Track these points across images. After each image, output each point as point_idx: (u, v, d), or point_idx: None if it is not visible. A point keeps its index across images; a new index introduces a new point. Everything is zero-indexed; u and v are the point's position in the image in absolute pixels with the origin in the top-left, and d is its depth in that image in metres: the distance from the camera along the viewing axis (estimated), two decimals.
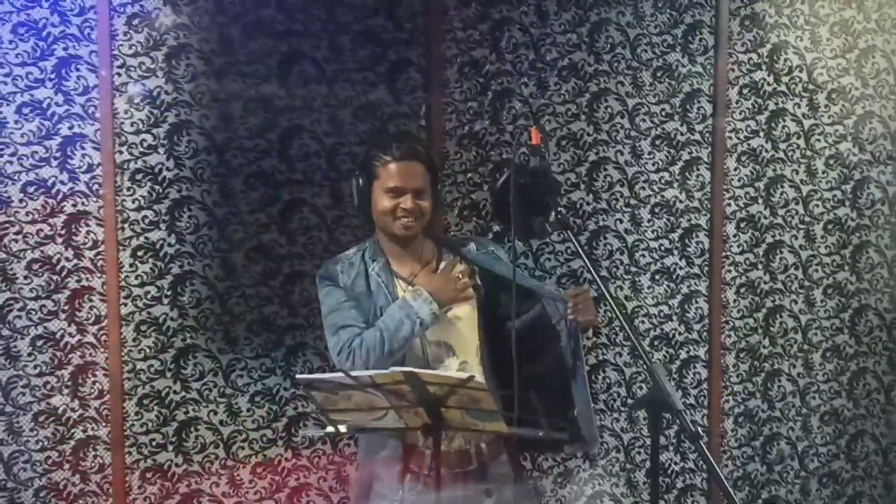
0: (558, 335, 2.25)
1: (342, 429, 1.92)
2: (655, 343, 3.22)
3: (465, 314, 2.25)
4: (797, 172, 3.31)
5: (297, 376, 1.85)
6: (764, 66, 3.24)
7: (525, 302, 2.25)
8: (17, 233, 2.72)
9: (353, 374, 1.78)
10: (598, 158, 3.13)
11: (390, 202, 2.18)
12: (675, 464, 3.26)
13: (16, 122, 2.70)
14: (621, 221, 3.17)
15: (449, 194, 2.99)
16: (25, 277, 2.73)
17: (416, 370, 1.77)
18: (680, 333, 3.25)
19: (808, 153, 3.31)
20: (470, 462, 2.20)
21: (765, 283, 3.30)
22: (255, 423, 2.90)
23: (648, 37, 3.14)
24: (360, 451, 2.37)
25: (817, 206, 3.33)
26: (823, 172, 3.33)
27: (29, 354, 2.75)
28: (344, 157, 2.91)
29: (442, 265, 2.28)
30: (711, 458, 1.67)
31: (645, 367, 1.78)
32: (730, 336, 3.28)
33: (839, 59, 3.31)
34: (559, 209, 2.10)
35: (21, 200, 2.72)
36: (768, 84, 3.25)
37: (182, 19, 2.79)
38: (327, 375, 1.85)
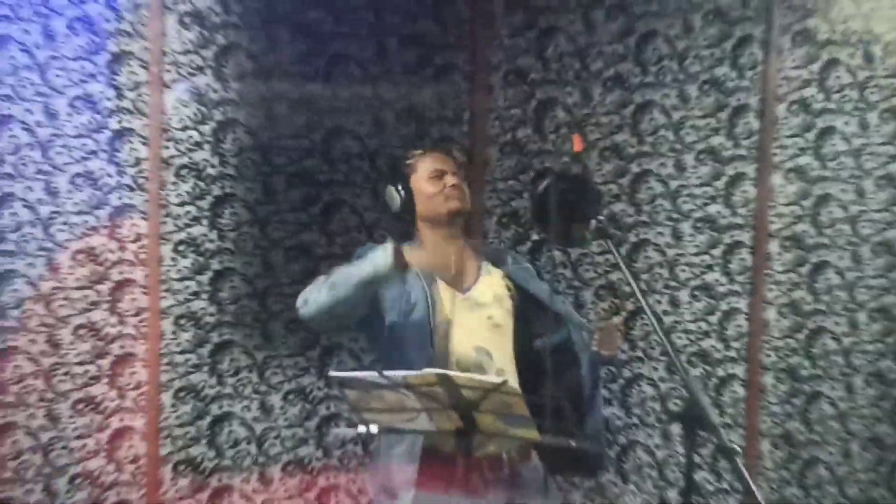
0: (579, 363, 2.24)
1: (373, 429, 1.92)
2: (692, 359, 3.17)
3: (504, 321, 2.23)
4: (845, 192, 3.24)
5: (331, 373, 1.86)
6: (814, 83, 3.19)
7: (552, 324, 2.23)
8: (63, 223, 2.77)
9: (387, 373, 1.78)
10: (641, 170, 3.10)
11: (435, 185, 2.22)
12: (710, 483, 3.21)
13: (67, 114, 2.76)
14: (662, 235, 3.13)
15: (489, 201, 2.98)
16: (70, 267, 2.78)
17: (450, 373, 1.76)
18: (718, 351, 3.19)
19: (858, 172, 3.24)
20: (501, 468, 2.19)
21: (807, 303, 3.24)
22: (288, 421, 2.92)
23: (696, 49, 3.11)
24: (375, 448, 2.34)
25: (865, 226, 3.26)
26: (873, 193, 3.26)
27: (70, 343, 2.79)
28: (386, 159, 2.92)
29: (480, 274, 2.27)
30: (747, 475, 1.64)
31: (681, 380, 1.75)
32: (769, 356, 3.22)
33: (892, 78, 3.25)
34: (600, 218, 2.07)
35: (69, 191, 2.77)
36: (818, 101, 3.20)
37: (232, 19, 2.82)
38: (361, 374, 1.84)
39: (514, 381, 2.12)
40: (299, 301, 2.15)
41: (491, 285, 2.27)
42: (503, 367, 2.19)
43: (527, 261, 2.43)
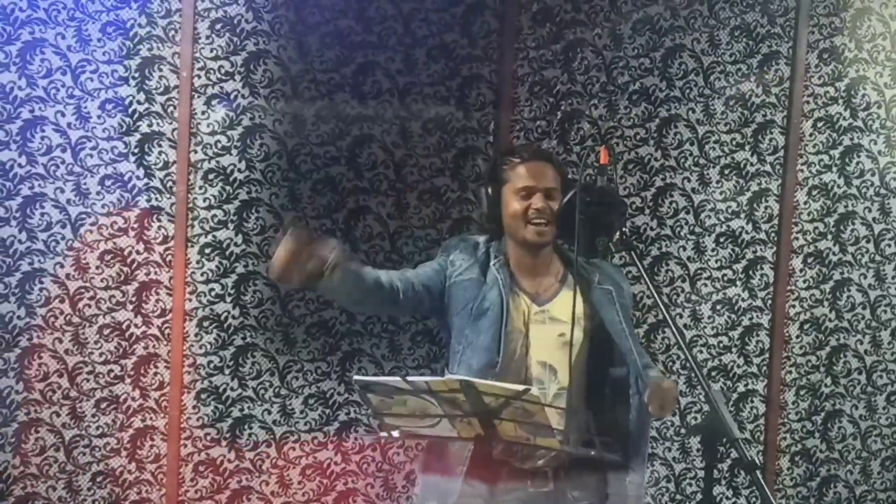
0: (628, 406, 2.17)
1: (395, 434, 1.94)
2: (713, 374, 3.17)
3: (577, 340, 2.16)
4: (869, 210, 3.24)
5: (355, 377, 1.87)
6: (840, 101, 3.19)
7: (615, 355, 2.20)
8: (92, 224, 2.81)
9: (410, 379, 1.79)
10: (665, 184, 3.11)
11: (521, 204, 2.14)
12: (727, 498, 3.20)
13: (98, 117, 2.80)
14: (685, 249, 3.13)
15: None
16: (97, 268, 2.82)
17: (472, 379, 1.77)
18: (739, 366, 3.19)
19: (882, 191, 3.23)
20: (546, 483, 2.16)
21: (830, 320, 3.23)
22: (308, 426, 2.94)
23: (723, 65, 3.12)
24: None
25: (889, 245, 3.25)
26: None
27: (95, 342, 2.83)
28: (411, 168, 2.95)
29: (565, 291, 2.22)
30: (767, 490, 1.64)
31: (703, 392, 1.75)
32: (790, 372, 3.21)
33: None
34: (624, 230, 2.08)
35: (98, 193, 2.82)
36: (844, 119, 3.20)
37: (262, 26, 2.86)
38: (384, 378, 1.87)
39: (574, 401, 2.11)
40: None
41: (569, 302, 2.17)
42: (565, 385, 2.14)
43: (618, 274, 2.34)
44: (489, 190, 2.20)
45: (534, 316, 2.18)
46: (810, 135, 3.18)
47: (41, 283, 2.79)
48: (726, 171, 3.14)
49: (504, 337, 2.12)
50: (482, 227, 2.28)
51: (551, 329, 2.17)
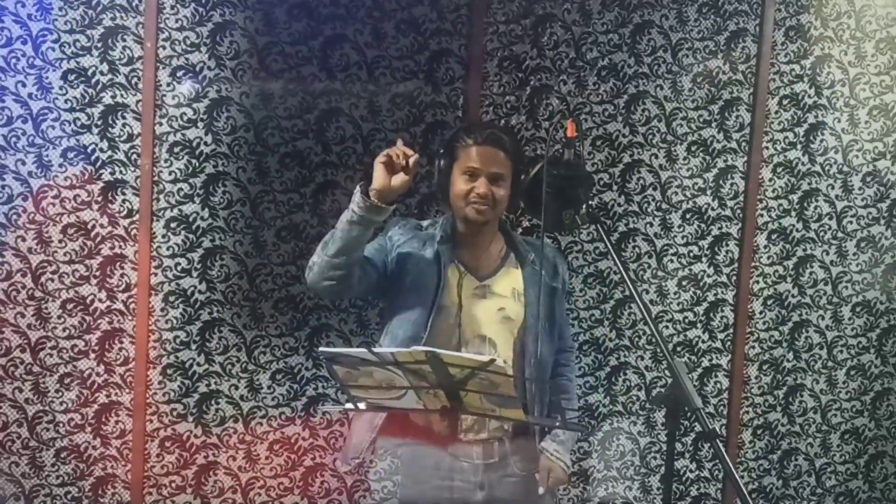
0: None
1: (361, 406, 1.94)
2: (678, 349, 3.20)
3: (515, 315, 2.23)
4: (832, 187, 3.28)
5: (320, 349, 1.87)
6: (806, 78, 3.21)
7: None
8: (54, 196, 2.77)
9: (376, 350, 1.79)
10: (633, 160, 3.12)
11: (466, 185, 2.18)
12: (691, 471, 3.25)
13: (60, 87, 2.76)
14: (651, 225, 3.16)
15: None
16: (60, 241, 2.78)
17: (438, 350, 1.78)
18: (703, 341, 3.23)
19: (845, 168, 3.28)
20: (492, 455, 2.21)
21: (793, 296, 3.27)
22: (275, 401, 2.93)
23: (690, 41, 3.13)
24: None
25: (851, 222, 3.30)
26: (860, 189, 3.29)
27: (59, 317, 2.80)
28: (379, 142, 2.93)
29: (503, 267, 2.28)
30: (727, 458, 1.66)
31: (666, 363, 1.77)
32: (753, 347, 3.26)
33: (882, 75, 3.27)
34: (590, 203, 2.09)
35: (61, 165, 2.77)
36: (809, 97, 3.23)
37: None
38: (350, 350, 1.86)
39: (520, 373, 2.15)
40: (306, 270, 2.17)
41: (511, 278, 2.26)
42: (506, 360, 2.17)
43: (559, 258, 2.39)
44: (442, 163, 2.25)
45: (474, 290, 2.21)
46: (776, 112, 3.20)
47: (2, 256, 2.75)
48: (693, 148, 3.16)
49: (435, 311, 2.16)
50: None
51: (491, 304, 2.22)
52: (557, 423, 2.08)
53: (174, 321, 2.86)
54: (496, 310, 2.21)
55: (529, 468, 2.24)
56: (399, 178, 2.08)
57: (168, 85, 2.81)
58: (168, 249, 2.84)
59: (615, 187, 3.12)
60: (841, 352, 3.33)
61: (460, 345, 2.18)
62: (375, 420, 2.19)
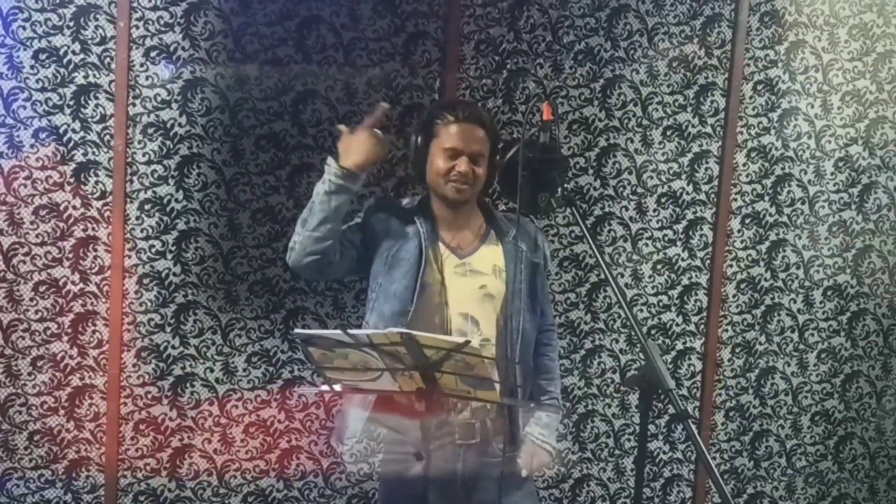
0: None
1: (337, 388, 1.94)
2: (653, 332, 3.23)
3: (497, 291, 2.23)
4: (805, 172, 3.31)
5: (295, 331, 1.87)
6: (780, 64, 3.24)
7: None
8: (26, 178, 2.74)
9: (351, 332, 1.79)
10: (608, 144, 3.14)
11: (446, 163, 2.18)
12: (664, 453, 3.28)
13: (32, 67, 2.72)
14: (627, 209, 3.17)
15: None
16: (32, 223, 2.75)
17: (413, 332, 1.78)
18: (677, 325, 3.26)
19: (818, 154, 3.31)
20: (473, 436, 2.22)
21: (765, 280, 3.31)
22: (251, 384, 2.93)
23: (666, 26, 3.14)
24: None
25: (823, 207, 3.34)
26: (832, 174, 3.33)
27: (31, 299, 2.77)
28: (355, 125, 2.90)
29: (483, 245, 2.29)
30: (700, 440, 1.69)
31: (640, 346, 1.79)
32: (727, 330, 3.29)
33: (855, 61, 3.31)
34: (566, 187, 2.10)
35: (32, 146, 2.74)
36: (783, 82, 3.25)
37: None
38: (325, 332, 1.86)
39: (495, 352, 2.16)
40: (287, 252, 2.18)
41: (492, 255, 2.26)
42: (489, 337, 2.21)
43: (539, 234, 2.41)
44: (418, 140, 2.23)
45: (455, 268, 2.22)
46: (750, 97, 3.23)
47: None
48: (668, 132, 3.18)
49: (419, 287, 2.16)
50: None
51: (472, 281, 2.22)
52: (532, 405, 2.10)
53: (148, 304, 2.84)
54: (478, 287, 2.21)
55: (511, 449, 2.25)
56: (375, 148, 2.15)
57: (141, 65, 2.77)
58: (142, 231, 2.82)
59: (591, 171, 3.13)
60: (812, 335, 3.38)
61: (444, 322, 2.18)
62: (368, 399, 2.19)
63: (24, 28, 2.70)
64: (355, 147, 2.16)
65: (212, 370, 2.90)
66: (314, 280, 2.86)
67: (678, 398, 1.70)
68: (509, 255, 2.26)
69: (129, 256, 2.81)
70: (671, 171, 3.20)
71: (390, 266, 2.20)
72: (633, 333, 3.15)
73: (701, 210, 3.23)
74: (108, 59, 2.75)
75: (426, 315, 2.17)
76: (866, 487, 3.50)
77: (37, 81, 2.72)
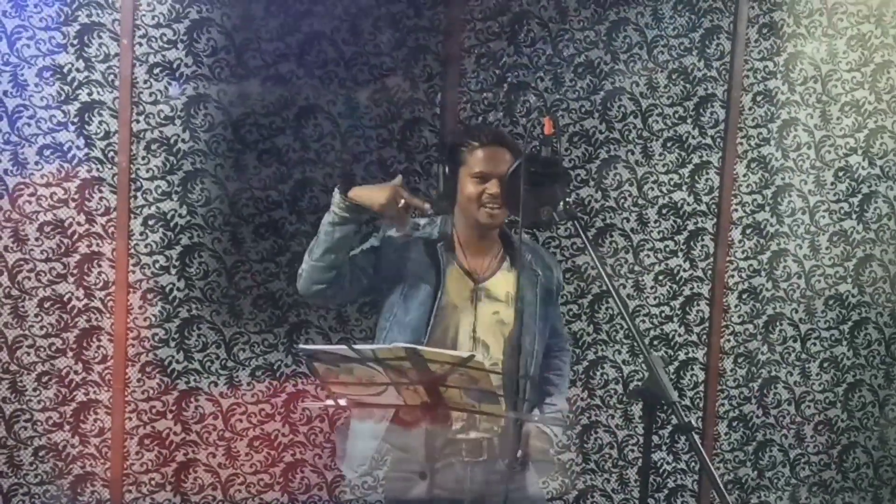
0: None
1: (341, 402, 1.95)
2: (655, 343, 3.24)
3: (509, 319, 2.22)
4: (805, 183, 3.32)
5: (300, 346, 1.89)
6: (779, 75, 3.26)
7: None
8: (31, 195, 2.76)
9: (356, 347, 1.81)
10: (609, 156, 3.15)
11: (476, 188, 2.17)
12: (668, 463, 3.29)
13: (36, 85, 2.74)
14: (628, 220, 3.19)
15: None
16: (37, 239, 2.77)
17: (418, 347, 1.79)
18: (680, 335, 3.27)
19: (818, 164, 3.33)
20: (481, 453, 2.22)
21: (767, 290, 3.32)
22: (255, 398, 2.93)
23: (666, 38, 3.16)
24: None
25: (823, 216, 3.35)
26: (832, 184, 3.35)
27: (36, 315, 2.78)
28: (357, 139, 2.94)
29: (503, 265, 2.29)
30: (703, 450, 1.69)
31: (643, 357, 1.80)
32: (729, 340, 3.30)
33: (854, 72, 3.33)
34: (567, 200, 2.11)
35: (37, 163, 2.76)
36: (782, 93, 3.27)
37: None
38: (329, 347, 1.88)
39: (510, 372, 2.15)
40: (297, 279, 2.20)
41: (506, 282, 2.26)
42: (497, 363, 2.20)
43: (551, 261, 2.41)
44: (447, 170, 2.24)
45: (471, 293, 2.22)
46: (749, 108, 3.25)
47: None
48: (668, 144, 3.20)
49: (435, 316, 2.17)
50: (433, 201, 2.30)
51: (487, 307, 2.23)
52: (536, 419, 2.10)
53: (152, 319, 2.85)
54: (491, 313, 2.22)
55: (519, 467, 2.24)
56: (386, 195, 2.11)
57: (145, 82, 2.80)
58: (146, 247, 2.83)
59: (592, 183, 3.14)
60: (814, 344, 3.39)
61: (455, 347, 2.18)
62: (379, 424, 2.19)
63: (28, 46, 2.72)
64: (376, 191, 2.13)
65: (216, 384, 2.91)
66: (326, 305, 2.87)
67: (681, 410, 1.70)
68: (525, 283, 2.26)
69: (134, 272, 2.83)
70: (672, 183, 3.22)
71: (406, 297, 2.20)
72: (635, 344, 3.16)
73: (702, 221, 3.25)
74: (111, 77, 2.77)
75: (439, 339, 2.18)
76: (870, 497, 3.50)
77: (41, 99, 2.74)
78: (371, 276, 2.22)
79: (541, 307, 2.27)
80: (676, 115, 3.20)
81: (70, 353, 2.81)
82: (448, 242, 2.25)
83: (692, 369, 3.28)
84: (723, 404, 3.32)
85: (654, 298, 3.23)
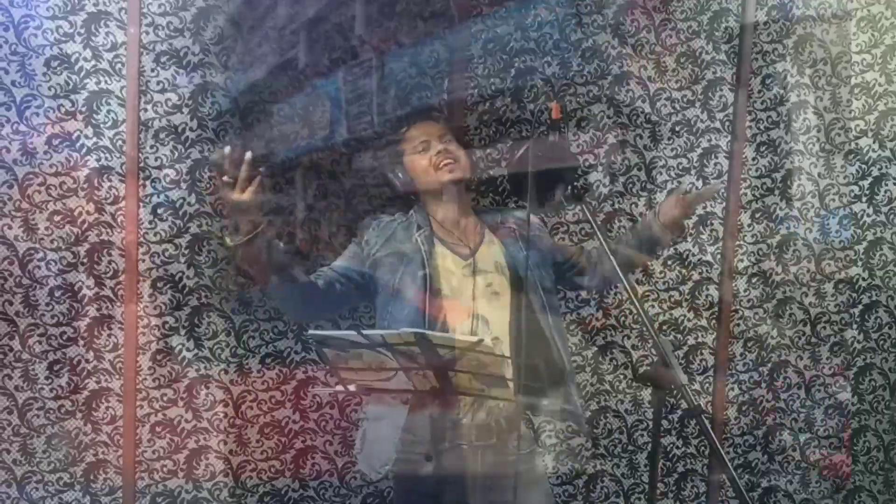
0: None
1: (351, 388, 1.96)
2: (664, 328, 3.24)
3: (502, 289, 2.25)
4: (815, 166, 3.30)
5: (310, 332, 1.89)
6: (788, 57, 3.23)
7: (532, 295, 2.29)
8: (40, 184, 2.76)
9: (365, 332, 1.81)
10: (617, 141, 3.14)
11: (424, 156, 2.27)
12: (677, 448, 3.29)
13: (44, 74, 2.74)
14: (636, 205, 3.18)
15: None
16: (46, 229, 2.78)
17: (427, 332, 1.80)
18: (689, 320, 3.26)
19: (827, 147, 3.30)
20: (490, 436, 2.23)
21: (776, 273, 3.31)
22: (265, 385, 2.94)
23: (674, 22, 3.14)
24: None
25: (833, 200, 3.33)
26: (842, 167, 3.32)
27: (47, 304, 2.80)
28: (365, 125, 2.93)
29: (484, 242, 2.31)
30: (712, 433, 1.70)
31: (652, 342, 1.80)
32: (738, 325, 3.29)
33: (864, 54, 3.29)
34: (575, 184, 2.11)
35: (46, 152, 2.76)
36: (791, 76, 3.24)
37: None
38: (339, 333, 1.88)
39: (507, 350, 2.17)
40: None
41: (493, 252, 2.29)
42: (499, 336, 2.22)
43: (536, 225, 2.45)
44: (396, 171, 2.33)
45: (461, 270, 2.22)
46: (759, 91, 3.23)
47: None
48: (677, 128, 3.18)
49: (429, 303, 2.18)
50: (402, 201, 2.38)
51: (479, 280, 2.24)
52: (546, 403, 2.11)
53: (163, 307, 2.86)
54: (484, 286, 2.23)
55: (527, 447, 2.26)
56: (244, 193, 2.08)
57: (152, 70, 2.80)
58: (155, 235, 2.84)
59: (600, 168, 3.13)
60: (824, 328, 3.37)
61: (454, 327, 2.19)
62: (398, 421, 2.20)
63: (35, 36, 2.73)
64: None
65: (226, 372, 2.92)
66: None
67: (690, 393, 1.71)
68: (507, 241, 2.32)
69: (143, 260, 2.84)
70: (680, 167, 3.20)
71: (396, 293, 2.23)
72: (644, 329, 3.16)
73: (711, 205, 3.23)
74: (119, 66, 2.77)
75: (438, 320, 2.19)
76: (881, 480, 3.49)
77: (49, 88, 2.75)
78: (360, 283, 2.28)
79: (537, 273, 2.30)
80: (685, 99, 3.18)
81: (81, 342, 2.83)
82: (426, 229, 2.29)
83: (701, 354, 3.28)
84: (732, 388, 3.31)
85: (664, 283, 3.23)
